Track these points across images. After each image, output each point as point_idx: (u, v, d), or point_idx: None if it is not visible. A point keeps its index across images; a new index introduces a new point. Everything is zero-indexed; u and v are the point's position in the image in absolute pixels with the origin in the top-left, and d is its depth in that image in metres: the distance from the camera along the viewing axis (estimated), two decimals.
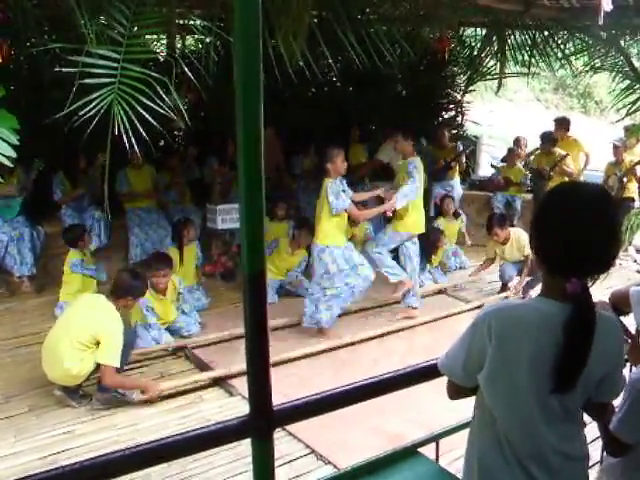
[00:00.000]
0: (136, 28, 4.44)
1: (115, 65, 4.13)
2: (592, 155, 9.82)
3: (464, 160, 9.95)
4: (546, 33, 7.92)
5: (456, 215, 8.58)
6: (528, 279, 7.20)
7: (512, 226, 7.65)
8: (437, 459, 2.75)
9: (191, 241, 6.76)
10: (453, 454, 3.60)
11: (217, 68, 5.77)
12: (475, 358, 1.80)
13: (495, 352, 1.74)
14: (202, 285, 6.98)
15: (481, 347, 1.77)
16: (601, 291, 1.73)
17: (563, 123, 9.82)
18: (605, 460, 2.42)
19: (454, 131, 10.77)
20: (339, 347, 5.90)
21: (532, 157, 9.92)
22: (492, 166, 10.58)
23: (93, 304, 4.82)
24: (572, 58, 8.81)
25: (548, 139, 9.38)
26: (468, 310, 6.92)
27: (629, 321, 2.31)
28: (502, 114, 20.47)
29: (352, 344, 5.96)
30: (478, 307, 7.01)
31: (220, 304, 6.83)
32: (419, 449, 2.72)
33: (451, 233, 8.53)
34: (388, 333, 6.23)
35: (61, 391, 4.71)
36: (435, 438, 2.75)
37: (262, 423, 1.71)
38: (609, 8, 4.60)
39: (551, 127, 9.89)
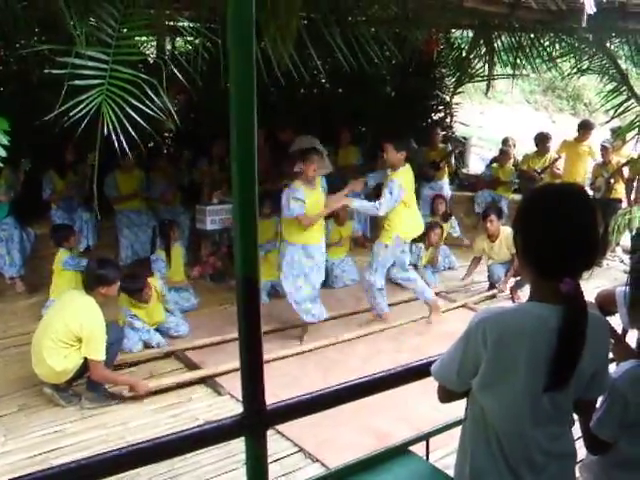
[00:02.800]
0: (125, 30, 4.47)
1: (104, 66, 4.15)
2: None
3: (453, 161, 10.01)
4: (532, 35, 7.98)
5: (446, 217, 8.61)
6: (517, 279, 7.25)
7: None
8: (427, 457, 2.79)
9: (176, 241, 6.78)
10: (441, 452, 3.65)
11: (206, 69, 5.79)
12: (469, 365, 1.82)
13: (490, 358, 1.75)
14: (190, 285, 7.00)
15: (475, 354, 1.78)
16: (588, 291, 1.77)
17: (585, 127, 9.67)
18: (585, 457, 2.45)
19: (443, 132, 10.83)
20: (327, 346, 5.95)
21: (521, 158, 9.98)
22: (487, 166, 10.61)
23: (72, 301, 4.84)
24: (559, 60, 8.89)
25: (542, 140, 9.45)
26: (454, 308, 7.02)
27: (614, 321, 2.35)
28: (492, 116, 20.54)
29: (339, 343, 6.00)
30: (463, 306, 7.11)
31: (209, 305, 6.85)
32: (410, 447, 2.75)
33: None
34: (373, 333, 6.28)
35: (50, 389, 4.74)
36: (425, 437, 2.78)
37: (255, 422, 1.75)
38: (592, 10, 4.66)
39: (541, 128, 9.98)
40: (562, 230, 1.72)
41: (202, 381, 5.21)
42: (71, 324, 4.63)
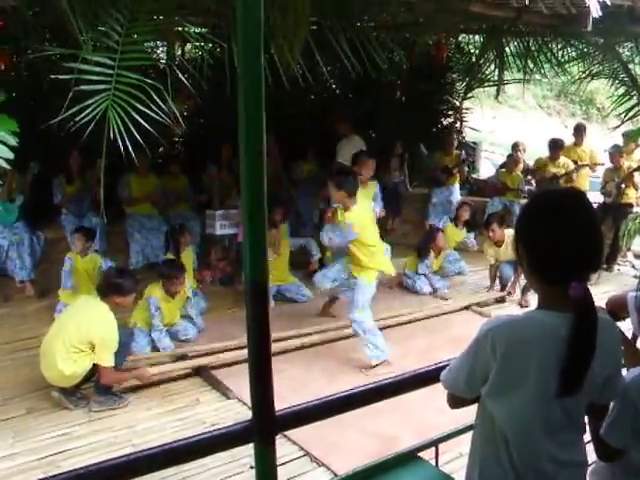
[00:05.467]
0: (135, 35, 4.51)
1: (110, 72, 4.19)
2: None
3: (465, 168, 10.01)
4: (541, 40, 7.97)
5: (468, 225, 8.58)
6: (525, 282, 7.23)
7: (508, 227, 7.58)
8: (437, 463, 2.77)
9: (187, 246, 6.82)
10: (448, 455, 3.64)
11: (215, 75, 5.82)
12: (478, 373, 1.81)
13: (500, 367, 1.74)
14: (200, 289, 7.02)
15: (485, 362, 1.77)
16: (598, 296, 1.75)
17: (580, 130, 9.94)
18: (595, 463, 2.41)
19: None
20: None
21: (533, 162, 9.95)
22: (496, 171, 10.61)
23: (87, 307, 4.87)
24: (570, 65, 8.89)
25: (556, 146, 9.45)
26: (459, 310, 7.03)
27: (625, 326, 2.33)
28: (504, 121, 20.52)
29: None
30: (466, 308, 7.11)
31: (218, 309, 6.87)
32: (419, 453, 2.74)
33: (453, 239, 8.57)
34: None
35: (58, 393, 4.76)
36: (435, 443, 2.75)
37: (265, 428, 1.74)
38: (597, 14, 4.65)
39: (553, 133, 10.00)
40: (563, 233, 1.71)
41: (210, 384, 5.23)
42: (85, 330, 4.66)
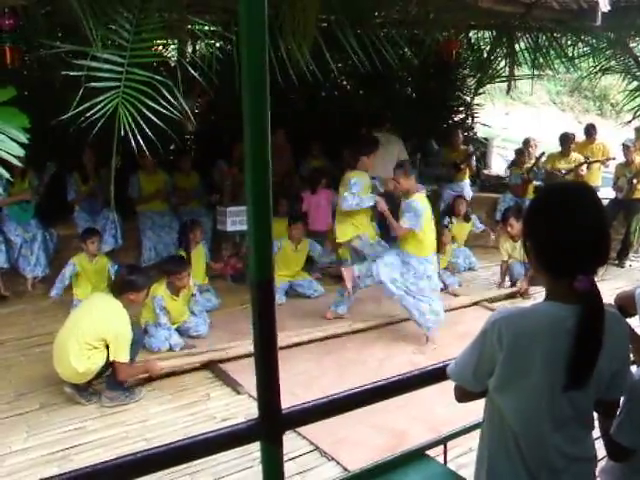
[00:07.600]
0: (144, 33, 4.53)
1: (120, 69, 4.22)
2: None
3: (474, 163, 9.97)
4: (552, 35, 7.93)
5: (467, 217, 8.55)
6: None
7: None
8: (445, 461, 2.77)
9: (198, 242, 6.84)
10: (458, 450, 3.64)
11: (227, 72, 5.83)
12: (486, 365, 1.81)
13: (506, 359, 1.74)
14: (212, 286, 7.05)
15: (491, 354, 1.78)
16: (609, 292, 1.74)
17: (590, 130, 10.04)
18: (605, 461, 2.40)
19: (464, 134, 10.78)
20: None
21: (544, 158, 9.91)
22: (508, 167, 10.56)
23: (100, 304, 4.91)
24: (582, 60, 8.85)
25: (565, 141, 9.42)
26: (469, 305, 7.07)
27: (634, 322, 2.32)
28: (518, 117, 20.46)
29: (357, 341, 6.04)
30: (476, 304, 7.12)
31: (230, 305, 6.89)
32: (427, 451, 2.73)
33: (461, 234, 8.52)
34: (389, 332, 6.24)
35: (71, 388, 4.80)
36: (443, 440, 2.75)
37: (271, 427, 1.74)
38: (606, 8, 4.64)
39: (567, 129, 10.00)
40: (570, 226, 1.72)
41: (221, 380, 5.26)
42: (99, 327, 4.71)
